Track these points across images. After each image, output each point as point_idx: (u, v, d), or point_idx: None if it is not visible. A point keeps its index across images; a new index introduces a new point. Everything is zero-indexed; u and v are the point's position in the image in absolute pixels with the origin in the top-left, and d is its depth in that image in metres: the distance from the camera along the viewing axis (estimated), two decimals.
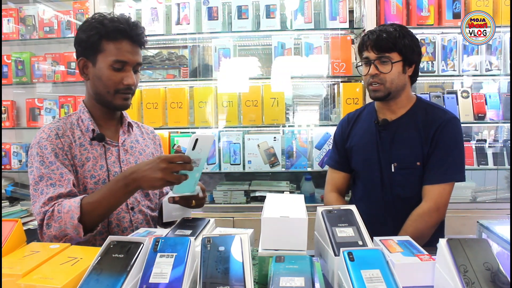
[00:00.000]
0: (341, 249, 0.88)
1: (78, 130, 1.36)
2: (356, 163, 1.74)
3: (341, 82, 2.62)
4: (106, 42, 1.30)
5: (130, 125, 1.49)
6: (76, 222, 1.14)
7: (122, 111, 1.48)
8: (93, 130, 1.37)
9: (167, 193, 1.56)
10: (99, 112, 1.40)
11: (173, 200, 1.30)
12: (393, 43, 1.55)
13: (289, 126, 2.66)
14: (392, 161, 1.62)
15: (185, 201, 1.32)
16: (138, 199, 1.41)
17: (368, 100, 2.48)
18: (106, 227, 1.33)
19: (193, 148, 1.10)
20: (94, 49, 1.31)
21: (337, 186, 1.80)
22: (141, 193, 1.44)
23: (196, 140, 1.09)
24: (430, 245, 1.16)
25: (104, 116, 1.41)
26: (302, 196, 1.18)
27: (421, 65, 2.49)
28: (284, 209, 1.05)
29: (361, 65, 1.67)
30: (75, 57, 1.39)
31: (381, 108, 1.69)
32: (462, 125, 1.67)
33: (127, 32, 1.31)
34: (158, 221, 1.52)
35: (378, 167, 1.65)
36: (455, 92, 2.59)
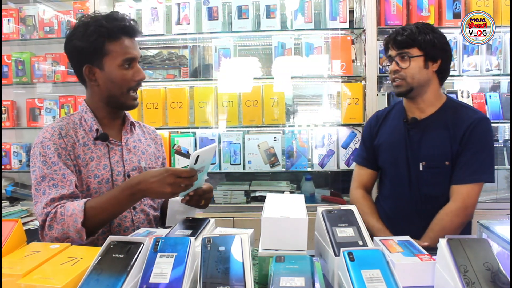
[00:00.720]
0: (341, 249, 0.88)
1: (82, 130, 1.36)
2: (384, 161, 1.74)
3: (341, 82, 2.63)
4: (110, 43, 1.29)
5: (133, 124, 1.49)
6: (79, 226, 1.15)
7: (125, 112, 1.48)
8: (97, 130, 1.36)
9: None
10: (103, 112, 1.40)
11: (186, 200, 1.28)
12: (411, 39, 1.57)
13: (289, 126, 2.66)
14: (420, 159, 1.62)
15: (196, 201, 1.31)
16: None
17: (369, 100, 2.49)
18: (108, 226, 1.33)
19: (195, 163, 1.13)
20: (99, 53, 1.30)
21: (364, 183, 1.81)
22: None
23: (197, 157, 1.12)
24: None
25: (107, 116, 1.41)
26: (302, 196, 1.18)
27: None
28: (284, 209, 1.05)
29: (388, 64, 1.69)
30: (72, 64, 1.38)
31: (410, 106, 1.69)
32: None
33: (127, 28, 1.31)
34: (160, 222, 1.52)
35: (406, 165, 1.65)
36: (455, 92, 2.59)
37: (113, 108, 1.40)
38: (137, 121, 1.59)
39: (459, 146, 1.57)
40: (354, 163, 1.90)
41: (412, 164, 1.64)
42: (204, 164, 1.17)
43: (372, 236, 1.67)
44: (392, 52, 1.63)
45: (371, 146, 1.80)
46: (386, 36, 1.69)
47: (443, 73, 1.66)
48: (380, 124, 1.79)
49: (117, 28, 1.29)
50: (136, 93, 1.38)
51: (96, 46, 1.28)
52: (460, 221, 1.54)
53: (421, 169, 1.62)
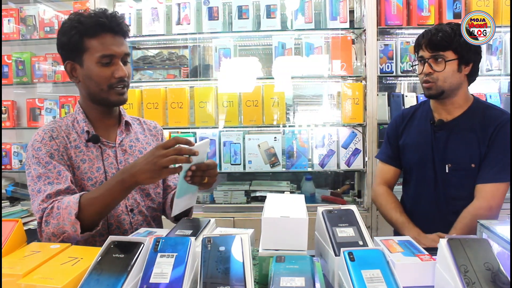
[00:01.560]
0: (342, 249, 0.88)
1: (74, 132, 1.34)
2: (409, 162, 1.73)
3: (342, 82, 2.63)
4: (88, 39, 1.27)
5: (128, 123, 1.46)
6: (73, 218, 1.13)
7: (120, 110, 1.45)
8: (88, 132, 1.34)
9: (172, 190, 1.53)
10: (95, 112, 1.38)
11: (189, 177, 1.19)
12: (447, 42, 1.54)
13: (289, 126, 2.66)
14: (446, 161, 1.61)
15: (199, 178, 1.21)
16: (138, 200, 1.39)
17: (369, 100, 2.49)
18: (106, 229, 1.32)
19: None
20: (78, 49, 1.28)
21: (387, 180, 1.80)
22: (142, 193, 1.42)
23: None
24: None
25: (100, 116, 1.38)
26: (302, 196, 1.18)
27: None
28: (285, 209, 1.05)
29: (417, 64, 1.66)
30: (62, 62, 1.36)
31: (437, 107, 1.68)
32: None
33: (107, 24, 1.27)
34: (169, 217, 1.49)
35: (432, 167, 1.64)
36: None
37: (100, 105, 1.36)
38: (137, 117, 1.57)
39: (487, 147, 1.55)
40: (378, 161, 1.89)
41: (438, 166, 1.63)
42: (199, 160, 1.16)
43: (397, 231, 1.66)
44: (425, 54, 1.58)
45: (396, 144, 1.79)
46: (419, 35, 1.64)
47: (473, 76, 1.64)
48: (406, 123, 1.77)
49: (95, 23, 1.26)
50: (124, 88, 1.33)
51: (75, 41, 1.27)
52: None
53: (447, 171, 1.60)
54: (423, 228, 1.56)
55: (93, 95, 1.33)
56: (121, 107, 1.46)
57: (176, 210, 1.22)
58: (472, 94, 1.69)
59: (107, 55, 1.27)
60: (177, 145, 1.12)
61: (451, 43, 1.54)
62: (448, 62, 1.55)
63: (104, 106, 1.37)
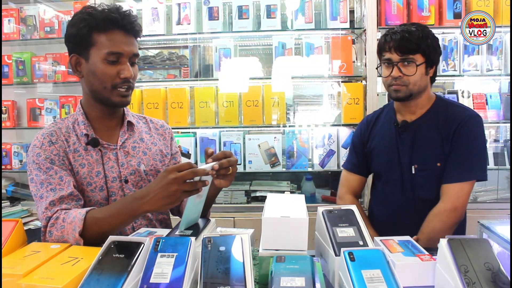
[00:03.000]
0: (342, 249, 0.88)
1: (74, 135, 1.30)
2: (377, 166, 1.72)
3: (342, 82, 2.62)
4: (97, 34, 1.22)
5: (131, 124, 1.40)
6: (77, 235, 1.10)
7: (124, 109, 1.40)
8: (87, 135, 1.30)
9: None
10: (96, 112, 1.33)
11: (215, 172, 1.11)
12: (416, 44, 1.51)
13: (289, 126, 2.66)
14: (413, 162, 1.60)
15: (225, 170, 1.15)
16: None
17: (369, 100, 2.49)
18: None
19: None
20: (85, 43, 1.22)
21: (353, 189, 1.80)
22: None
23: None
24: None
25: (102, 116, 1.33)
26: (302, 196, 1.18)
27: None
28: (285, 209, 1.04)
29: (380, 65, 1.63)
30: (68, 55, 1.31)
31: (400, 109, 1.67)
32: None
33: (119, 21, 1.22)
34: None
35: (399, 168, 1.63)
36: (456, 92, 2.59)
37: (101, 104, 1.30)
38: (144, 116, 1.52)
39: (450, 145, 1.54)
40: (343, 170, 1.88)
41: (405, 167, 1.62)
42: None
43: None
44: (393, 57, 1.55)
45: (362, 152, 1.78)
46: (381, 36, 1.61)
47: (435, 76, 1.64)
48: (371, 128, 1.76)
49: (106, 18, 1.22)
50: (127, 90, 1.27)
51: (83, 34, 1.22)
52: (451, 222, 1.51)
53: (413, 172, 1.60)
54: (393, 231, 1.52)
55: (95, 93, 1.28)
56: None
57: (183, 226, 1.14)
58: (434, 93, 1.69)
59: (114, 52, 1.22)
60: (191, 169, 1.04)
61: (420, 46, 1.52)
62: (418, 66, 1.53)
63: (105, 105, 1.31)
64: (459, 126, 1.54)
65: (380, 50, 1.62)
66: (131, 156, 1.36)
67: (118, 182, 1.31)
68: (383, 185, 1.71)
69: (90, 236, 1.12)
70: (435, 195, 1.57)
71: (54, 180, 1.21)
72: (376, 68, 1.68)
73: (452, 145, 1.54)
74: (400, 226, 1.61)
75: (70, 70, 2.72)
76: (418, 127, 1.61)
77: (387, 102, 2.60)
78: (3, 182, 2.85)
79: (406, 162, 1.61)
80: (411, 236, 1.40)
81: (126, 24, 1.24)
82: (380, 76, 1.72)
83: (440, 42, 2.53)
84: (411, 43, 1.52)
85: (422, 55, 1.53)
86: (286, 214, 0.99)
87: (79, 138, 1.30)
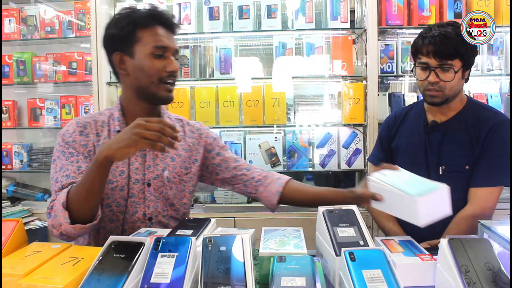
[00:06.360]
0: (342, 249, 0.88)
1: (106, 130, 1.31)
2: (402, 164, 1.68)
3: (342, 82, 2.62)
4: (141, 30, 1.24)
5: None
6: (61, 208, 1.09)
7: (161, 110, 1.40)
8: (119, 131, 1.27)
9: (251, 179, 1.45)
10: (136, 109, 1.32)
11: None
12: (455, 50, 1.46)
13: (290, 126, 2.66)
14: (440, 163, 1.57)
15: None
16: (159, 209, 1.32)
17: (370, 100, 2.49)
18: (120, 233, 1.27)
19: None
20: (130, 40, 1.25)
21: None
22: (166, 202, 1.34)
23: None
24: None
25: (140, 115, 1.23)
26: None
27: None
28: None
29: (415, 67, 1.58)
30: (107, 56, 1.32)
31: (432, 109, 1.63)
32: None
33: (160, 17, 1.26)
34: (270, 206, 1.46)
35: (425, 169, 1.60)
36: None
37: (145, 101, 1.30)
38: (180, 118, 1.50)
39: (481, 148, 1.52)
40: (368, 163, 1.85)
41: (432, 168, 1.59)
42: None
43: (417, 239, 1.64)
44: (431, 62, 1.49)
45: (388, 147, 1.75)
46: (419, 37, 1.54)
47: (468, 76, 1.60)
48: (399, 125, 1.73)
49: (149, 14, 1.25)
50: (172, 84, 1.29)
51: (127, 32, 1.24)
52: (477, 226, 1.51)
53: (440, 173, 1.57)
54: (414, 234, 1.52)
55: (141, 89, 1.28)
56: (163, 107, 1.41)
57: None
58: (465, 94, 1.66)
59: (160, 46, 1.24)
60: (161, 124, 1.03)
61: (459, 51, 1.47)
62: (456, 72, 1.48)
63: (149, 103, 1.31)
64: (491, 130, 1.51)
65: (416, 51, 1.57)
66: (159, 160, 1.34)
67: (140, 185, 1.30)
68: None
69: (74, 206, 1.10)
70: (461, 197, 1.53)
71: (72, 167, 1.22)
72: (411, 70, 1.62)
73: (483, 148, 1.52)
74: (423, 228, 1.58)
75: (71, 70, 2.73)
76: (448, 128, 1.58)
77: (387, 103, 2.62)
78: (4, 182, 2.86)
79: (433, 163, 1.59)
80: (434, 238, 1.37)
81: (167, 20, 1.28)
82: (412, 76, 1.64)
83: None
84: (450, 49, 1.46)
85: (460, 59, 1.49)
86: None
87: (111, 133, 1.31)
